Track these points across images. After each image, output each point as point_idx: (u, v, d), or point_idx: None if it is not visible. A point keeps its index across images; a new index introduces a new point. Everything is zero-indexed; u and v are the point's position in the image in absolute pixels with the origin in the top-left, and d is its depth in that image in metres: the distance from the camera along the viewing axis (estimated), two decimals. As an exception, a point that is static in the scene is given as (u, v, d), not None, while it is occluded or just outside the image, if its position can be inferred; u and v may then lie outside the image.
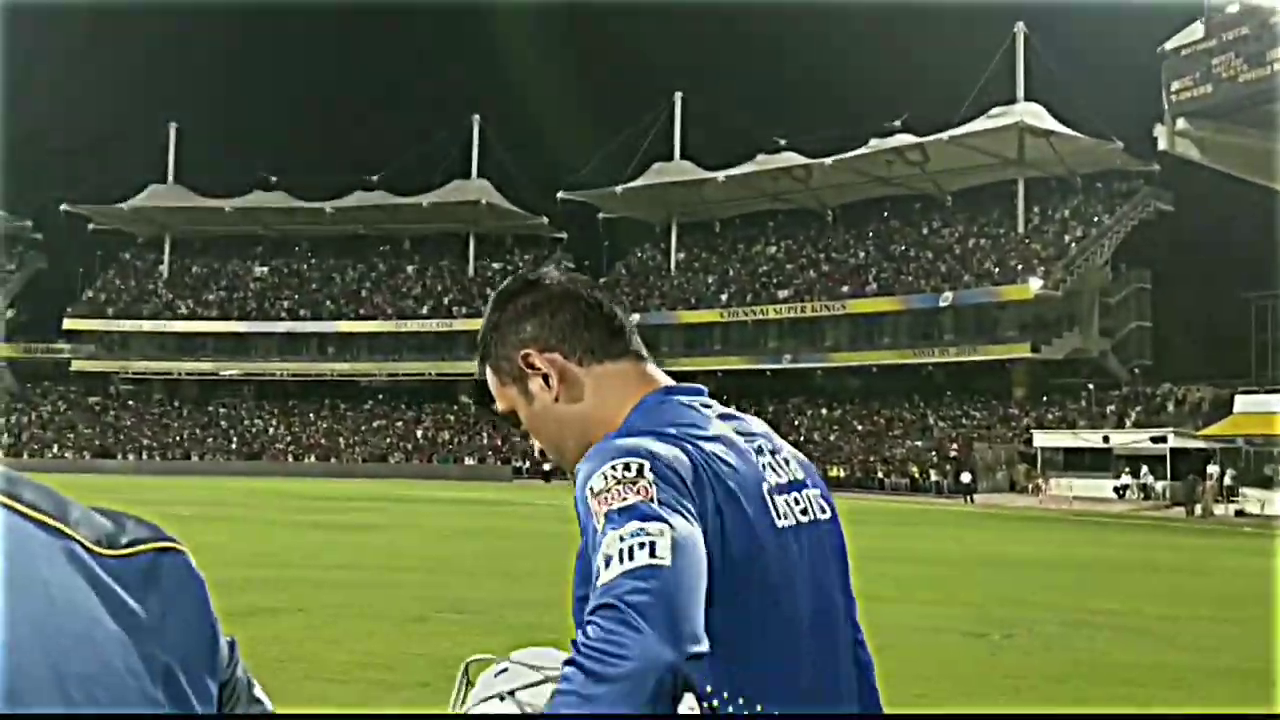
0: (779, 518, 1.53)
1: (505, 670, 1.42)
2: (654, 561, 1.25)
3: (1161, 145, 47.52)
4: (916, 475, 55.83)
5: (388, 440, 74.99)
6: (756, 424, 1.69)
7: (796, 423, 67.97)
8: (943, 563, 17.86)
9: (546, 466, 65.67)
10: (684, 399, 1.62)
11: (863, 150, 70.12)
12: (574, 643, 1.23)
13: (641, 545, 1.27)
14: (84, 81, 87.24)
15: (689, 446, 1.47)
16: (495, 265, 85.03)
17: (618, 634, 1.19)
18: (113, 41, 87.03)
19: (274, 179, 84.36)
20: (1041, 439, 52.50)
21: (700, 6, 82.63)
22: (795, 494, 1.60)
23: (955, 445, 56.91)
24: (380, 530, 21.72)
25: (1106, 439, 48.95)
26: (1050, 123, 64.05)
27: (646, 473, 1.37)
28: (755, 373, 72.21)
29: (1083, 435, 50.20)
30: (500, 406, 1.73)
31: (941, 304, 65.08)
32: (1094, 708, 7.76)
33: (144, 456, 73.46)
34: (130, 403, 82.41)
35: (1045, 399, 62.30)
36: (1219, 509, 40.28)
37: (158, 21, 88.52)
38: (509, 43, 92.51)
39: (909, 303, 66.66)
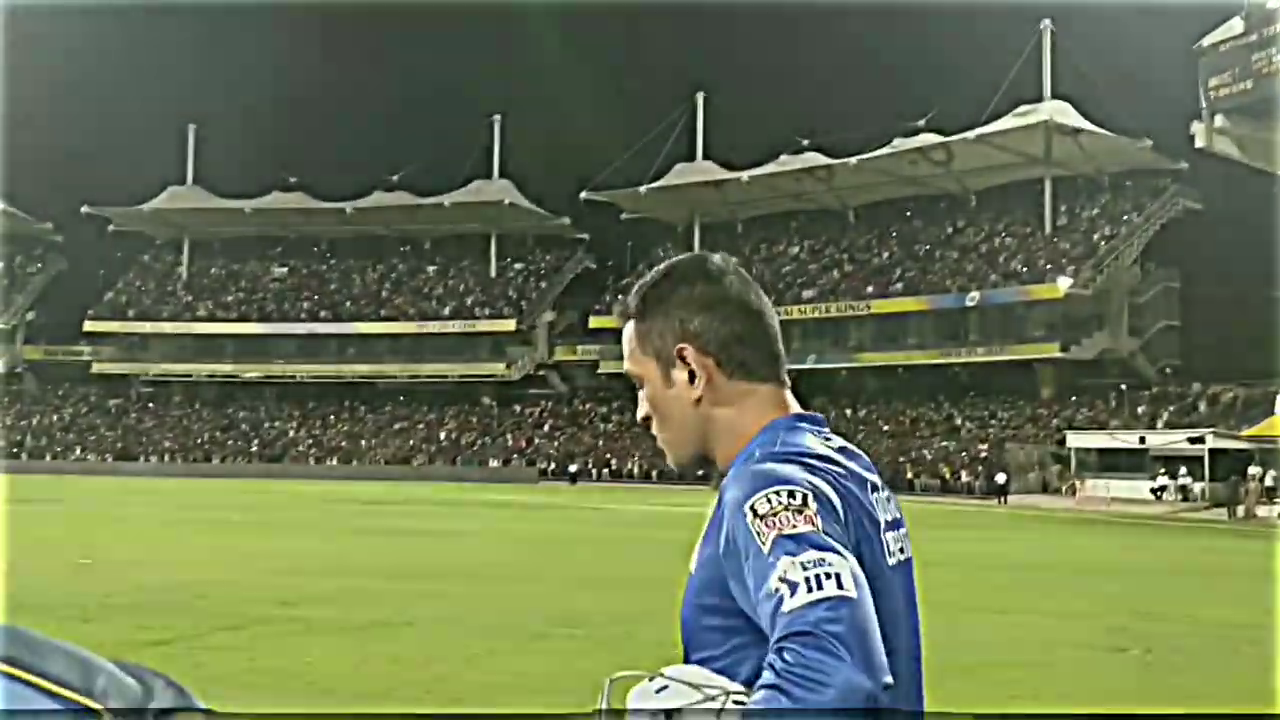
0: (888, 556, 1.54)
1: (665, 688, 1.33)
2: (843, 593, 1.27)
3: (1199, 143, 47.03)
4: (947, 476, 55.43)
5: (410, 442, 74.72)
6: (866, 459, 1.67)
7: (822, 423, 67.59)
8: (1032, 569, 17.51)
9: (572, 469, 65.48)
10: (811, 429, 1.62)
11: (887, 150, 69.80)
12: (770, 666, 1.24)
13: (828, 575, 1.28)
14: (103, 83, 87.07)
15: (831, 478, 1.47)
16: (517, 266, 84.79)
17: (821, 661, 1.21)
18: (131, 43, 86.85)
19: (293, 180, 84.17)
20: (1075, 440, 52.05)
21: (722, 6, 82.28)
22: (896, 532, 1.61)
23: (985, 446, 56.47)
24: (452, 537, 21.30)
25: (1143, 440, 48.49)
26: (1078, 121, 63.66)
27: (811, 502, 1.38)
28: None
29: (1118, 436, 49.76)
30: (629, 368, 1.70)
31: (968, 303, 64.70)
32: (1093, 708, 7.62)
33: (165, 459, 73.36)
34: (150, 405, 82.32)
35: (1074, 399, 61.92)
36: (1261, 510, 39.85)
37: (176, 23, 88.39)
38: (529, 42, 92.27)
39: (935, 302, 66.29)
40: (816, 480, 1.44)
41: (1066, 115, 63.78)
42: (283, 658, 8.50)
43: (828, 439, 1.62)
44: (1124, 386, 57.86)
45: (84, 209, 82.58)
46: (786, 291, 73.07)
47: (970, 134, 64.87)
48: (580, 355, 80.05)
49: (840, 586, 1.28)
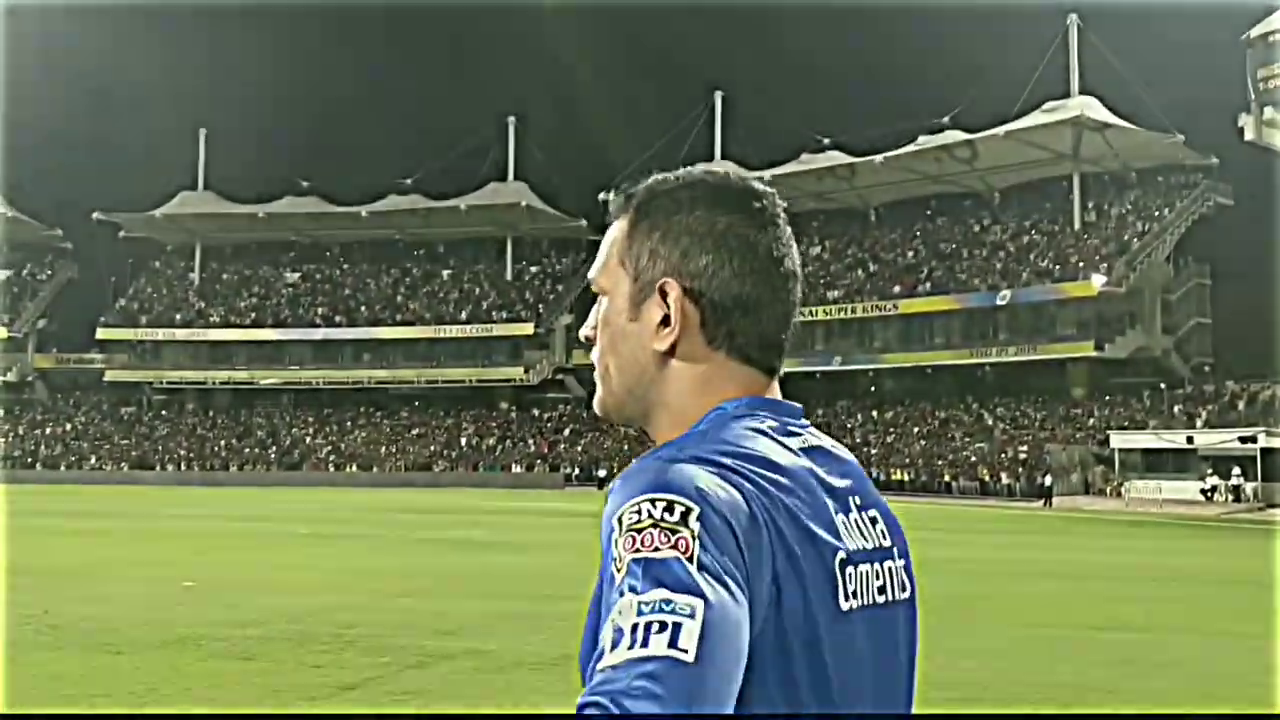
0: (845, 598, 1.17)
1: None
2: (673, 654, 0.94)
3: (1249, 135, 46.28)
4: (986, 478, 54.51)
5: (431, 448, 73.73)
6: (850, 466, 1.28)
7: (849, 425, 66.73)
8: (1177, 580, 16.58)
9: (600, 474, 64.54)
10: (767, 418, 1.23)
11: (912, 147, 69.01)
12: None
13: (662, 626, 0.95)
14: (114, 88, 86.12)
15: (752, 489, 1.11)
16: (533, 269, 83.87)
17: None
18: (142, 48, 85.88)
19: (305, 184, 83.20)
20: (1118, 440, 51.13)
21: (740, 4, 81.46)
22: (876, 564, 1.23)
23: (1025, 447, 55.54)
24: (551, 550, 20.27)
25: (1190, 440, 47.58)
26: (1107, 116, 62.88)
27: (692, 522, 1.03)
28: (802, 375, 70.93)
29: (1164, 436, 48.84)
30: (596, 276, 1.31)
31: (999, 302, 63.81)
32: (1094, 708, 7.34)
33: (182, 467, 72.37)
34: (163, 412, 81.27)
35: (1108, 398, 61.03)
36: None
37: (188, 27, 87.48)
38: (545, 43, 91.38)
39: (964, 301, 65.40)
40: (722, 489, 1.08)
41: (1096, 111, 63.00)
42: (504, 699, 7.55)
43: (789, 433, 1.23)
44: (1163, 386, 56.97)
45: (95, 215, 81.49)
46: (810, 292, 72.15)
47: (1000, 130, 64.05)
48: (598, 359, 79.04)
49: (674, 643, 0.94)
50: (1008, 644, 10.28)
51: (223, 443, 76.54)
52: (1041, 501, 47.59)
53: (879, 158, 69.13)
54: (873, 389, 71.28)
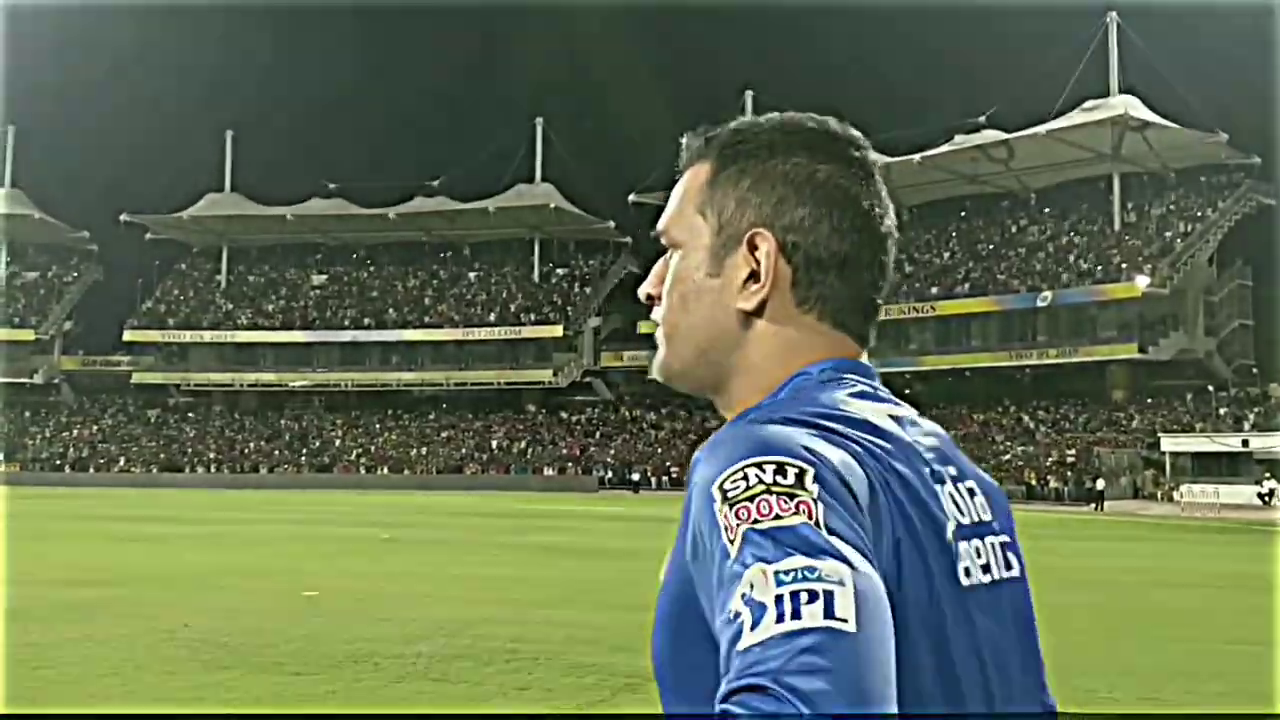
0: (965, 574, 1.04)
1: None
2: (832, 624, 0.82)
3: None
4: (1033, 482, 53.76)
5: (462, 451, 73.17)
6: (943, 436, 1.13)
7: (885, 428, 66.06)
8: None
9: (634, 477, 63.92)
10: (856, 382, 1.10)
11: (948, 147, 68.35)
12: None
13: (812, 595, 0.83)
14: (140, 90, 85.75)
15: (861, 451, 0.99)
16: (560, 271, 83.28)
17: None
18: (168, 49, 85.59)
19: (332, 186, 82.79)
20: (1169, 443, 50.34)
21: (770, 3, 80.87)
22: (979, 541, 1.08)
23: (1072, 451, 54.78)
24: (619, 556, 19.61)
25: (1245, 443, 46.78)
26: (1150, 116, 62.13)
27: (809, 483, 0.91)
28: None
29: (1216, 439, 48.06)
30: (667, 227, 1.18)
31: (1040, 303, 63.07)
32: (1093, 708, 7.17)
33: (211, 470, 71.90)
34: (190, 415, 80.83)
35: (1150, 401, 60.30)
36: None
37: (213, 29, 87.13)
38: (572, 44, 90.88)
39: (1004, 303, 64.68)
40: (832, 452, 0.95)
41: (1138, 110, 62.27)
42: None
43: (882, 399, 1.09)
44: (1210, 388, 56.20)
45: (123, 217, 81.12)
46: (845, 293, 71.49)
47: (1041, 129, 63.33)
48: (627, 361, 78.57)
49: (830, 613, 0.81)
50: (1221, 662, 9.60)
51: (251, 445, 76.07)
52: (1092, 506, 46.83)
53: (916, 157, 68.40)
54: (907, 391, 70.42)
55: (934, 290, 67.90)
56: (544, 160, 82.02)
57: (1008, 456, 57.79)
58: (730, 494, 0.90)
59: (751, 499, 0.89)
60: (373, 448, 74.85)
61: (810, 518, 0.88)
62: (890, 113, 73.41)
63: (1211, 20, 63.23)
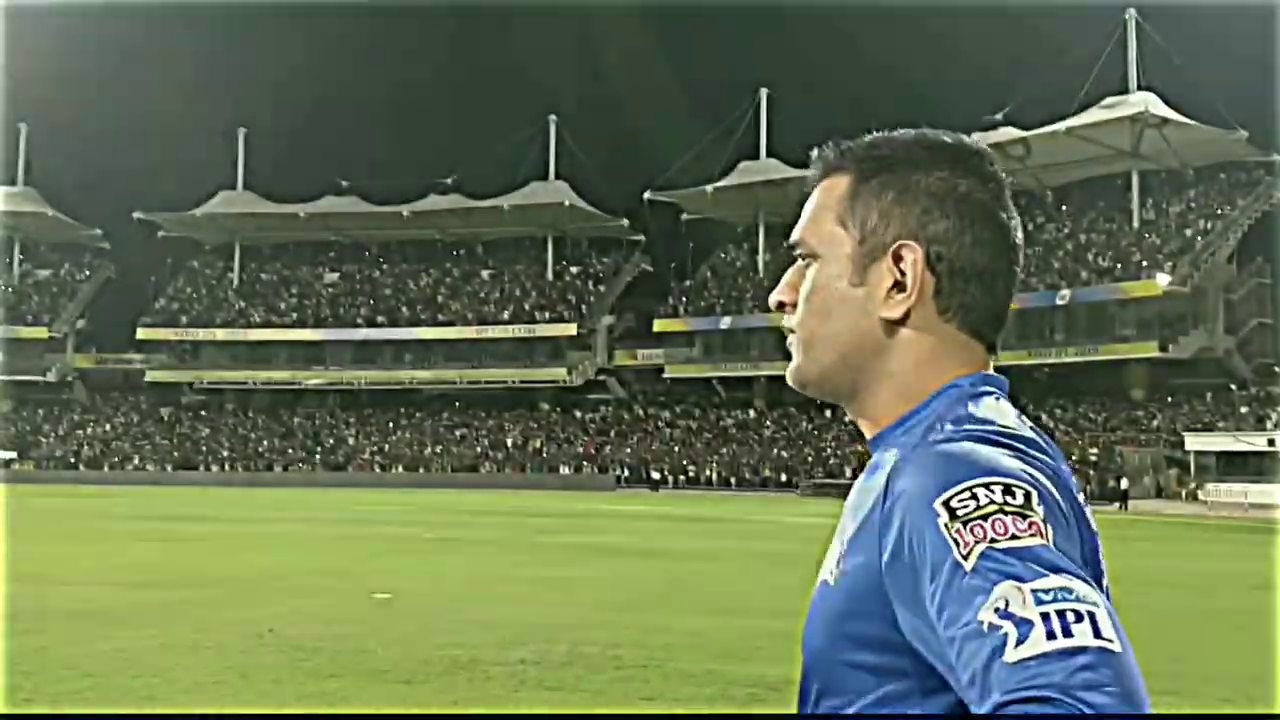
0: (1105, 578, 1.10)
1: None
2: (1103, 644, 0.86)
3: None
4: (1055, 481, 53.43)
5: (477, 449, 72.99)
6: (1057, 448, 1.16)
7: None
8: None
9: (655, 476, 63.74)
10: (1001, 395, 1.15)
11: (966, 144, 67.93)
12: None
13: (1078, 616, 0.87)
14: (152, 87, 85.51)
15: (1050, 472, 1.04)
16: (573, 269, 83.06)
17: None
18: (181, 46, 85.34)
19: (345, 184, 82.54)
20: (1194, 442, 50.05)
21: (787, 1, 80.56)
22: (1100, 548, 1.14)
23: (1095, 450, 54.53)
24: (684, 558, 19.38)
25: (1272, 442, 46.48)
26: (1170, 113, 61.84)
27: (1036, 504, 0.96)
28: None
29: (1242, 438, 47.77)
30: (805, 236, 1.22)
31: (1059, 301, 62.78)
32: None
33: (226, 468, 71.76)
34: (202, 413, 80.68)
35: (1170, 400, 60.01)
36: None
37: (226, 26, 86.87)
38: (586, 41, 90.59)
39: (1023, 301, 64.19)
40: (1038, 473, 1.00)
41: (1158, 107, 61.99)
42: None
43: (1018, 413, 1.13)
44: (1232, 387, 55.91)
45: (136, 215, 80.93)
46: (861, 291, 71.22)
47: (1060, 126, 63.05)
48: (641, 360, 78.39)
49: (1098, 633, 0.86)
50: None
51: (265, 443, 75.92)
52: (1116, 505, 46.55)
53: (934, 155, 67.98)
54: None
55: (951, 288, 67.55)
56: (558, 158, 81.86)
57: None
58: (960, 512, 0.95)
59: (985, 517, 0.94)
60: (386, 446, 74.67)
61: (1045, 538, 0.93)
62: (907, 110, 73.03)
63: (1230, 17, 62.87)
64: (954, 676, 0.92)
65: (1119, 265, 62.40)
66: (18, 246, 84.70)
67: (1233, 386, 56.27)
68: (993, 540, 0.93)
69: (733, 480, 64.16)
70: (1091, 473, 52.74)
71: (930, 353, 1.15)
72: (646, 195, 76.52)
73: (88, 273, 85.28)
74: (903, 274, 1.14)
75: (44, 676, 7.91)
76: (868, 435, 1.20)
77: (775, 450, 66.51)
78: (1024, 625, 0.87)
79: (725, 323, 74.14)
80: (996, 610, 0.88)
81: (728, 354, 74.64)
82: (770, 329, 73.54)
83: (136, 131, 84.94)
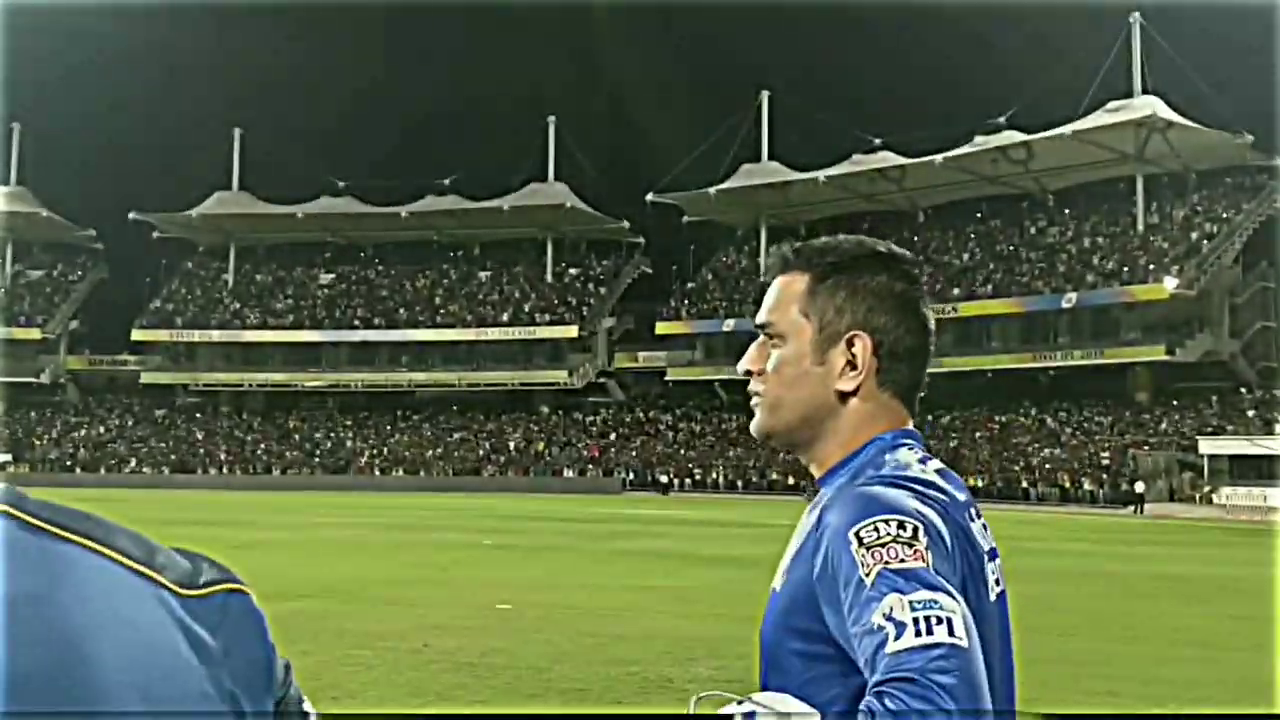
0: (989, 590, 1.45)
1: (753, 714, 1.26)
2: (954, 641, 1.19)
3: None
4: (1067, 485, 53.48)
5: (479, 453, 72.51)
6: (960, 481, 1.55)
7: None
8: None
9: (664, 479, 63.43)
10: (915, 446, 1.53)
11: (969, 148, 68.04)
12: (868, 710, 1.16)
13: (939, 620, 1.20)
14: (147, 87, 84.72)
15: (940, 508, 1.39)
16: (573, 271, 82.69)
17: (924, 714, 1.14)
18: (176, 47, 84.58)
19: (342, 184, 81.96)
20: (1207, 445, 50.13)
21: (789, 3, 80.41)
22: (993, 563, 1.49)
23: (1106, 453, 54.54)
24: (744, 565, 19.15)
25: (1288, 445, 46.63)
26: (1175, 117, 61.97)
27: (921, 536, 1.30)
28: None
29: (1258, 442, 47.87)
30: (772, 318, 1.56)
31: (1064, 305, 62.85)
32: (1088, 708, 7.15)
33: (224, 471, 71.06)
34: (197, 415, 79.90)
35: (1175, 402, 60.12)
36: None
37: (222, 25, 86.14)
38: (586, 42, 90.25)
39: (1028, 304, 64.45)
40: (927, 510, 1.35)
41: (1163, 111, 62.11)
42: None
43: (925, 459, 1.50)
44: (1242, 390, 56.09)
45: (131, 215, 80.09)
46: (865, 294, 71.04)
47: (1066, 129, 63.08)
48: (642, 363, 78.13)
49: (952, 633, 1.19)
50: None
51: (262, 446, 75.25)
52: (1131, 509, 46.59)
53: (938, 158, 68.12)
54: (923, 394, 69.91)
55: (955, 291, 67.58)
56: (557, 159, 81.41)
57: (1037, 460, 57.48)
58: (866, 540, 1.28)
59: (883, 546, 1.27)
60: (384, 449, 74.11)
61: (925, 563, 1.26)
62: (909, 114, 73.24)
63: (1235, 21, 63.05)
64: (860, 663, 1.23)
65: (1125, 269, 62.50)
66: (10, 247, 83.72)
67: (1243, 389, 56.39)
68: (886, 563, 1.25)
69: (739, 484, 63.93)
70: (1104, 476, 52.82)
71: (868, 415, 1.50)
72: (649, 197, 76.21)
73: (81, 273, 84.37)
74: (854, 357, 1.50)
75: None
76: (816, 475, 1.54)
77: (780, 454, 66.02)
78: (900, 626, 1.18)
79: (728, 325, 73.90)
80: (884, 615, 1.20)
81: (730, 357, 74.38)
82: (772, 332, 73.43)
83: (131, 131, 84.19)
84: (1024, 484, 54.88)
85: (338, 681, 8.27)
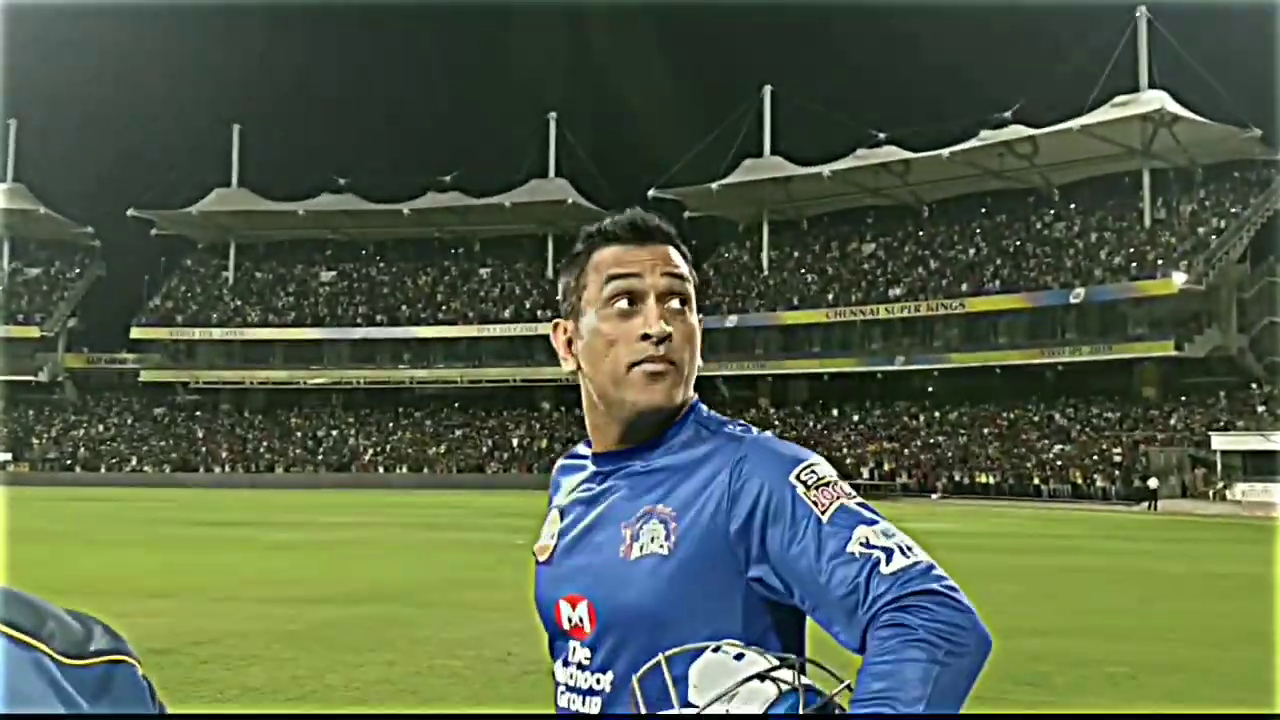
0: None
1: (742, 656, 1.27)
2: (929, 559, 1.31)
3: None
4: (1079, 481, 53.23)
5: (483, 449, 72.11)
6: None
7: (913, 426, 65.47)
8: None
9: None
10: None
11: (974, 143, 67.78)
12: (897, 624, 1.22)
13: (909, 545, 1.32)
14: (146, 85, 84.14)
15: None
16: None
17: (959, 616, 1.23)
18: (175, 44, 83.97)
19: (342, 181, 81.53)
20: (1220, 441, 49.90)
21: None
22: None
23: (1118, 450, 54.28)
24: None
25: (1302, 441, 46.42)
26: (1183, 111, 61.74)
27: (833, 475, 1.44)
28: (863, 375, 69.68)
29: (1271, 438, 47.65)
30: (680, 285, 1.59)
31: (1073, 300, 62.57)
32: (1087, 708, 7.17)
33: (225, 469, 70.58)
34: (197, 413, 79.37)
35: (1183, 398, 59.90)
36: None
37: (221, 23, 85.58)
38: (586, 37, 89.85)
39: (1036, 300, 64.13)
40: None
41: (1171, 105, 61.88)
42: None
43: None
44: (1252, 385, 55.88)
45: (130, 212, 79.52)
46: (871, 290, 70.86)
47: (1074, 123, 62.83)
48: (644, 358, 77.72)
49: (922, 552, 1.30)
50: None
51: (264, 444, 74.78)
52: (1145, 505, 46.37)
53: (945, 152, 67.81)
54: (930, 390, 69.80)
55: (963, 287, 67.28)
56: (558, 155, 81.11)
57: (1047, 456, 57.21)
58: (809, 483, 1.37)
59: (827, 485, 1.37)
60: (387, 446, 73.71)
61: (860, 497, 1.38)
62: (914, 108, 73.06)
63: (1241, 15, 62.89)
64: (821, 597, 1.31)
65: (1133, 264, 62.25)
66: (7, 244, 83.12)
67: (1254, 385, 56.18)
68: (838, 499, 1.34)
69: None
70: (1116, 472, 52.55)
71: None
72: (651, 193, 75.76)
73: (79, 271, 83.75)
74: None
75: (323, 698, 7.22)
76: (643, 439, 1.56)
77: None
78: (887, 551, 1.28)
79: (730, 321, 73.54)
80: (861, 543, 1.29)
81: (732, 353, 74.04)
82: (776, 328, 73.25)
83: (129, 127, 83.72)
84: (1035, 481, 54.56)
85: (441, 693, 7.90)
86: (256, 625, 10.82)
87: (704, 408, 1.59)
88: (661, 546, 1.42)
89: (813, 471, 1.38)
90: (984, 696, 7.72)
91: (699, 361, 1.59)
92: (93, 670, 0.86)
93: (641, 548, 1.44)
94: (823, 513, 1.31)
